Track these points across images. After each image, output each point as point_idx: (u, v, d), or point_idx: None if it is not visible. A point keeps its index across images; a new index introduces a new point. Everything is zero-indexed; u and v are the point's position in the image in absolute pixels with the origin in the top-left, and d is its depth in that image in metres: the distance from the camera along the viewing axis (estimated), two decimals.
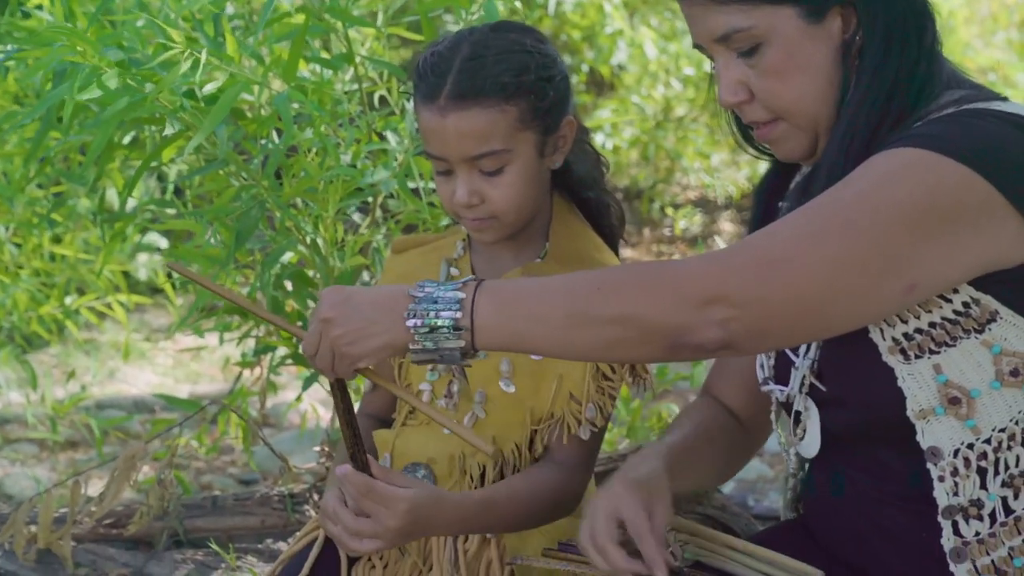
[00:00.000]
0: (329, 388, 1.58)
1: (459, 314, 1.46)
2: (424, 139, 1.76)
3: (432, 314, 1.46)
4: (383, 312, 1.49)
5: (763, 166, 1.75)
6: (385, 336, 1.49)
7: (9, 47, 2.30)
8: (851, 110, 1.50)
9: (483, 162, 1.73)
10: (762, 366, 1.67)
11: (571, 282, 1.48)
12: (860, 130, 1.49)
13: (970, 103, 1.48)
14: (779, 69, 1.52)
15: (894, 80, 1.49)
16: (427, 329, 1.47)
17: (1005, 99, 1.50)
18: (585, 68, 5.70)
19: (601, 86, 6.04)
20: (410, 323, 1.47)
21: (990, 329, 1.47)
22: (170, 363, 4.76)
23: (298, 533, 1.89)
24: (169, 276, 3.28)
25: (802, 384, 1.59)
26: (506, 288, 1.48)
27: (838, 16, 1.51)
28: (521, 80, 1.71)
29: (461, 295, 1.47)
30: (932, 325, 1.47)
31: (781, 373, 1.64)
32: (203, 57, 2.05)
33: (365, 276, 2.58)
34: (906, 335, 1.48)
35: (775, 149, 1.61)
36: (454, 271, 1.87)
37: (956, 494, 1.49)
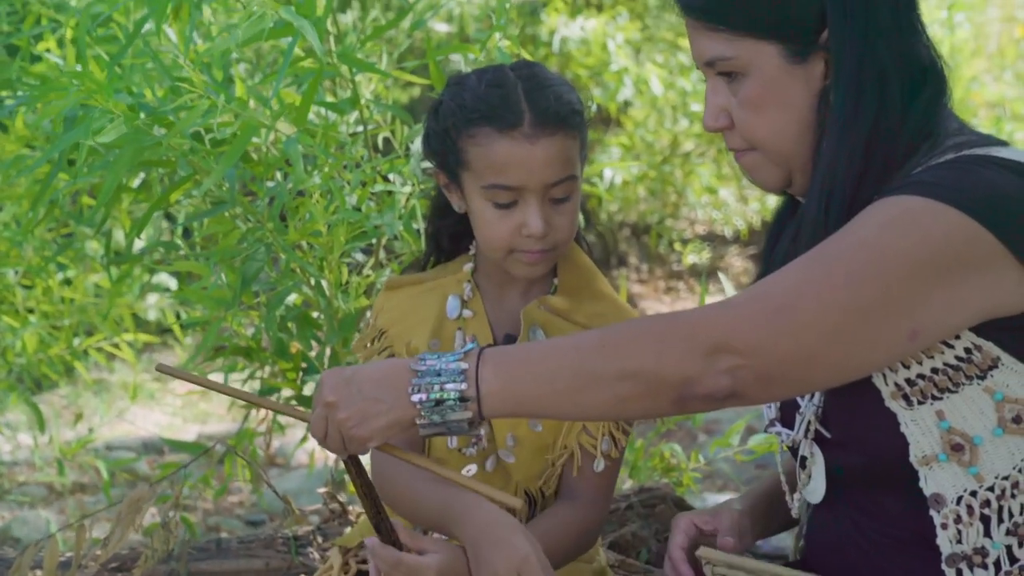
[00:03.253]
0: (343, 464, 1.57)
1: (464, 385, 1.45)
2: (497, 171, 1.73)
3: (437, 387, 1.45)
4: (386, 390, 1.48)
5: (772, 200, 1.75)
6: (391, 414, 1.48)
7: (20, 93, 2.31)
8: (825, 163, 1.50)
9: (557, 189, 1.74)
10: (769, 406, 1.67)
11: (575, 342, 1.46)
12: (838, 186, 1.48)
13: (970, 148, 1.47)
14: (755, 103, 1.53)
15: (869, 137, 1.48)
16: (433, 403, 1.46)
17: (1006, 144, 1.49)
18: (593, 106, 5.72)
19: (608, 122, 6.06)
20: (415, 398, 1.46)
21: (992, 376, 1.46)
22: (179, 403, 4.76)
23: None
24: (180, 324, 3.28)
25: (807, 430, 1.58)
26: (509, 353, 1.47)
27: (822, 61, 1.51)
28: (580, 110, 1.77)
29: (464, 365, 1.45)
30: (934, 371, 1.47)
31: (788, 416, 1.64)
32: (220, 101, 2.06)
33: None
34: (908, 380, 1.48)
35: (748, 176, 1.62)
36: (467, 313, 1.85)
37: (960, 542, 1.48)
